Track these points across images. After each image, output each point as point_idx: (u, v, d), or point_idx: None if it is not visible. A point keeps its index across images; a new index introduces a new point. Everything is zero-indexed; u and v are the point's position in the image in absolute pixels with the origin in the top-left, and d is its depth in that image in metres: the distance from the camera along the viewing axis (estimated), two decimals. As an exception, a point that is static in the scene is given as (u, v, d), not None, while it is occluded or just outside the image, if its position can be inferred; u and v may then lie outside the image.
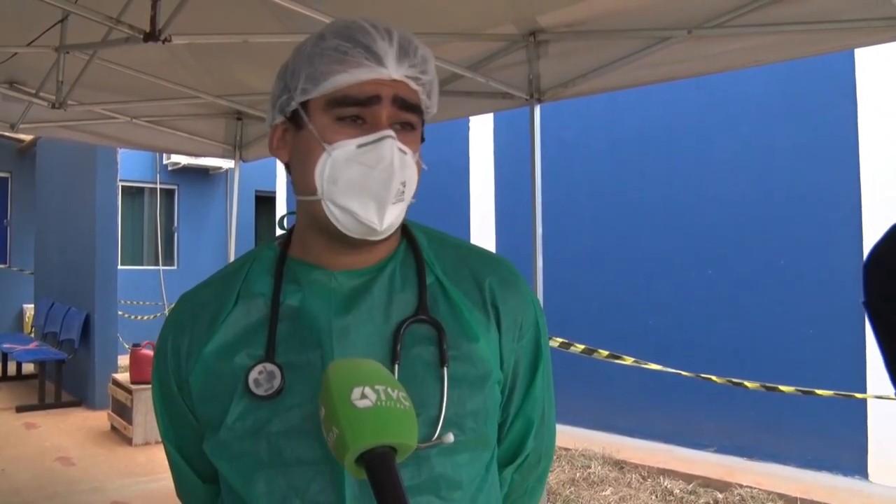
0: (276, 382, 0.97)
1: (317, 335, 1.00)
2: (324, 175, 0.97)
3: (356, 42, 0.97)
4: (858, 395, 4.32)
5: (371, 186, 0.96)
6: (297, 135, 1.02)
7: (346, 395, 0.78)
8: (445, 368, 1.00)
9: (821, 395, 4.53)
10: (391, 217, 0.98)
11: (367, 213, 0.97)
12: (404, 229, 1.11)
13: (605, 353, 5.21)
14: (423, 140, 1.06)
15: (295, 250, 1.08)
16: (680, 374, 5.01)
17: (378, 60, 0.97)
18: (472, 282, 1.08)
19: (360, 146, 0.96)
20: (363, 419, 0.76)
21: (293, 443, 0.97)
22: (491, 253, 1.15)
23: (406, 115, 1.00)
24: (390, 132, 0.97)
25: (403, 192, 0.99)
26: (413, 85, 1.00)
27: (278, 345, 1.00)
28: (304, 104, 1.00)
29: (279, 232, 1.16)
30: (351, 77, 0.96)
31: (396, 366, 0.99)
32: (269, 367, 0.98)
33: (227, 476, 1.02)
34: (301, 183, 1.02)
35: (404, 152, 0.98)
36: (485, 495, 1.04)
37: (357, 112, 0.97)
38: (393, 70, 0.98)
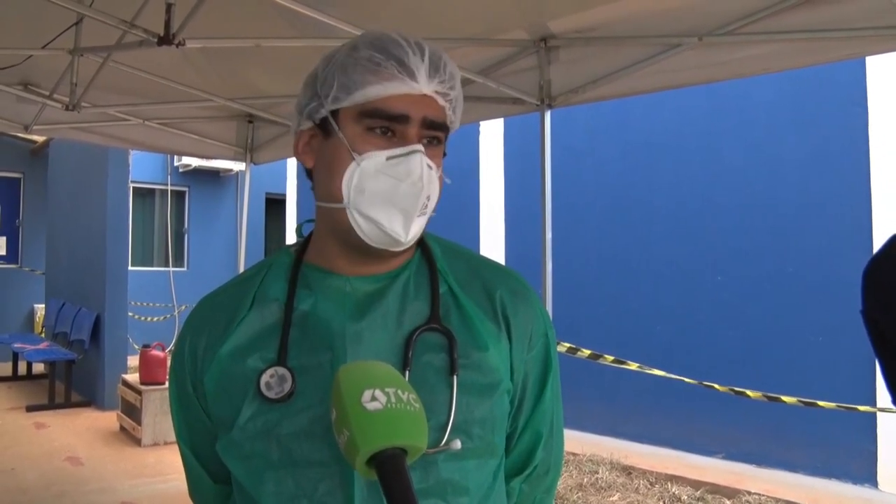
0: (287, 386, 0.99)
1: (329, 339, 1.02)
2: (351, 184, 0.99)
3: (389, 54, 0.99)
4: (861, 408, 4.30)
5: (399, 199, 0.98)
6: (324, 142, 1.04)
7: (357, 397, 0.79)
8: (455, 376, 1.01)
9: (823, 407, 4.51)
10: (416, 230, 1.01)
11: (392, 224, 0.99)
12: (419, 239, 1.13)
13: (611, 358, 5.22)
14: (444, 154, 1.07)
15: (311, 256, 1.10)
16: (683, 380, 5.00)
17: (410, 74, 0.98)
18: (484, 293, 1.09)
19: (389, 158, 0.98)
20: (373, 421, 0.77)
21: (302, 444, 0.98)
22: (502, 265, 1.17)
23: (433, 132, 1.02)
24: (420, 147, 0.99)
25: (427, 205, 1.01)
26: (441, 101, 1.02)
27: (290, 349, 1.02)
28: (335, 112, 1.01)
29: (291, 236, 1.18)
30: (384, 89, 0.98)
31: (407, 372, 1.00)
32: (281, 370, 1.00)
33: (238, 476, 1.04)
34: (325, 190, 1.03)
35: (430, 167, 1.00)
36: (492, 503, 1.05)
37: (387, 125, 0.99)
38: (424, 85, 1.00)
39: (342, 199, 1.00)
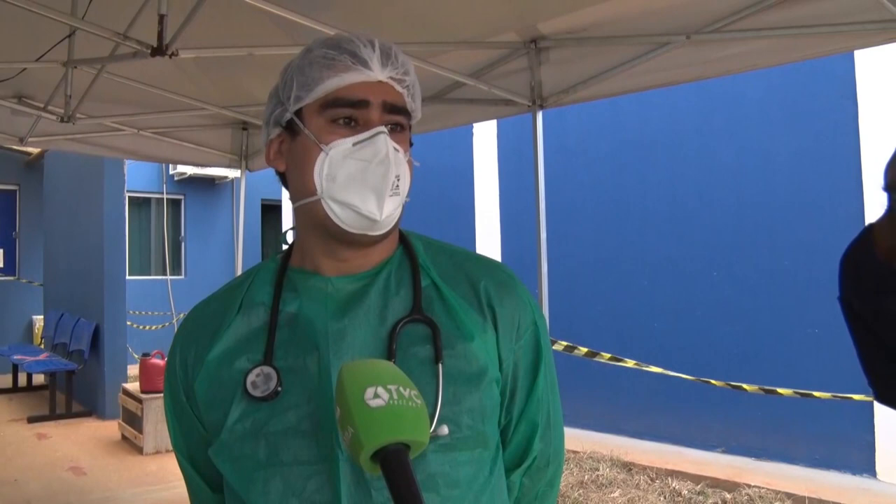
0: (273, 384, 1.01)
1: (313, 339, 1.04)
2: (322, 174, 1.02)
3: (342, 49, 1.04)
4: (856, 397, 4.33)
5: (369, 179, 1.01)
6: (293, 143, 1.07)
7: (360, 395, 0.81)
8: (440, 365, 1.02)
9: (819, 398, 4.55)
10: (389, 209, 1.03)
11: (366, 205, 1.02)
12: (401, 236, 1.15)
13: (608, 356, 5.25)
14: (411, 144, 1.11)
15: (295, 260, 1.13)
16: (680, 377, 5.03)
17: (364, 64, 1.03)
18: (468, 285, 1.10)
19: (355, 143, 1.02)
20: (376, 418, 0.79)
21: (290, 443, 1.00)
22: (487, 258, 1.18)
23: (395, 116, 1.06)
24: (383, 128, 1.03)
25: (398, 185, 1.04)
26: (398, 87, 1.06)
27: (277, 350, 1.04)
28: (298, 113, 1.06)
29: (288, 240, 1.21)
30: (341, 80, 1.03)
31: None
32: (266, 369, 1.02)
33: (229, 478, 1.05)
34: (299, 186, 1.07)
35: (397, 149, 1.04)
36: (488, 497, 1.05)
37: (349, 113, 1.03)
38: (378, 72, 1.04)
39: (315, 190, 1.03)
